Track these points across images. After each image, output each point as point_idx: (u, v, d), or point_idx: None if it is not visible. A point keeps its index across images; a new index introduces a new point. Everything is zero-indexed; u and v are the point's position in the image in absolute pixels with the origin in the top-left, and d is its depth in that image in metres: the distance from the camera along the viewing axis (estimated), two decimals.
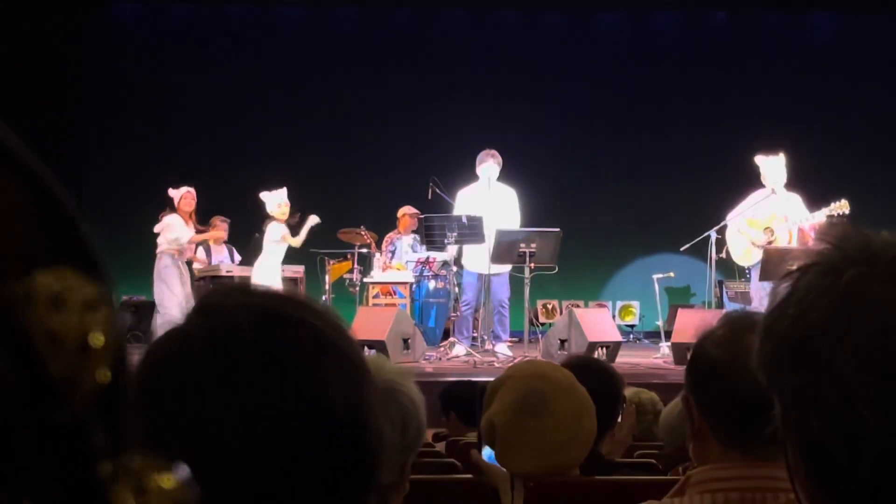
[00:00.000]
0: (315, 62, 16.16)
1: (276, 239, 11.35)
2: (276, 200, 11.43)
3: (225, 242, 12.77)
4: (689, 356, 1.97)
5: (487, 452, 2.92)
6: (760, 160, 10.50)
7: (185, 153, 15.67)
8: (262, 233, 11.55)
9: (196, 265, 12.18)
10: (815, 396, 0.98)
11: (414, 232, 12.57)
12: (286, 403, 1.00)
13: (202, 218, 12.11)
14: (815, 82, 15.81)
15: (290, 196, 11.65)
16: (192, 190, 11.80)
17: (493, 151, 10.97)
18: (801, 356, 1.00)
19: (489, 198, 10.81)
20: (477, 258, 10.77)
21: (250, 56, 16.29)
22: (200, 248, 12.42)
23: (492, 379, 2.86)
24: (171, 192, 11.76)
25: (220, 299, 1.07)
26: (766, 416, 1.05)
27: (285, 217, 11.44)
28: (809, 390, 0.99)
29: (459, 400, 5.42)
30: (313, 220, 11.49)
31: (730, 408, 1.84)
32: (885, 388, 0.95)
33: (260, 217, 11.67)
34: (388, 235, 12.78)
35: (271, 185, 11.51)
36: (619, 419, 3.51)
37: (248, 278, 11.38)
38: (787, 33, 16.49)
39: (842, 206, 10.06)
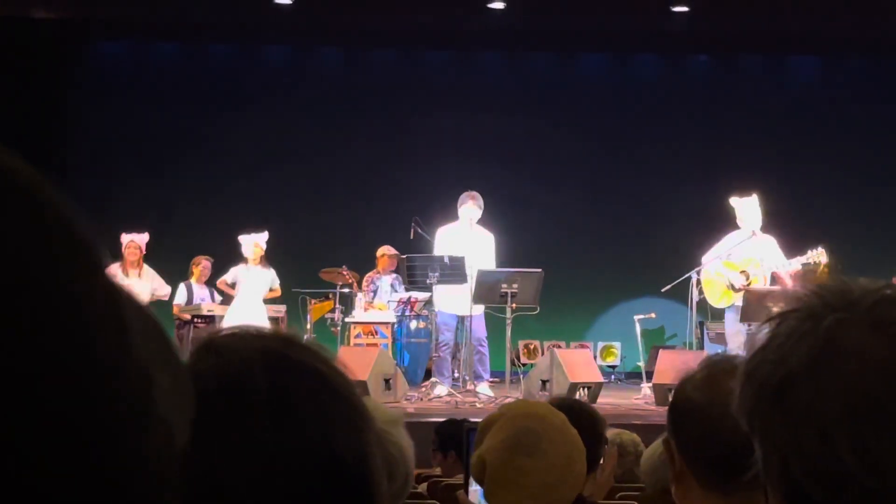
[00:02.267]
0: (298, 101, 16.17)
1: (274, 287, 11.68)
2: (251, 241, 11.65)
3: (206, 283, 12.62)
4: (670, 399, 1.98)
5: (476, 491, 2.90)
6: (736, 202, 10.51)
7: (166, 192, 15.65)
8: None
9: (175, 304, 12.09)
10: (796, 441, 0.99)
11: (394, 272, 12.57)
12: (295, 450, 1.01)
13: (185, 258, 12.03)
14: (796, 124, 15.91)
15: (271, 235, 11.77)
16: (135, 238, 11.65)
17: (475, 193, 10.98)
18: (781, 401, 1.01)
19: (469, 238, 10.81)
20: (451, 299, 10.74)
21: (233, 94, 16.30)
22: (182, 287, 12.28)
23: (478, 420, 2.86)
24: (122, 238, 11.64)
25: (232, 341, 1.08)
26: (747, 460, 1.06)
27: (255, 261, 11.63)
28: (790, 435, 1.00)
29: (459, 439, 4.86)
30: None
31: (710, 451, 1.84)
32: (865, 432, 0.96)
33: (238, 257, 11.74)
34: (367, 275, 12.77)
35: (251, 229, 11.65)
36: (602, 461, 3.50)
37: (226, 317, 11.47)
38: (769, 75, 16.60)
39: (819, 255, 9.99)
